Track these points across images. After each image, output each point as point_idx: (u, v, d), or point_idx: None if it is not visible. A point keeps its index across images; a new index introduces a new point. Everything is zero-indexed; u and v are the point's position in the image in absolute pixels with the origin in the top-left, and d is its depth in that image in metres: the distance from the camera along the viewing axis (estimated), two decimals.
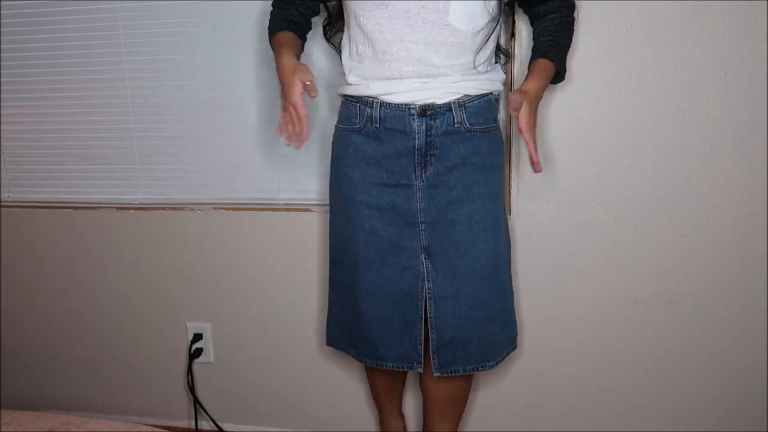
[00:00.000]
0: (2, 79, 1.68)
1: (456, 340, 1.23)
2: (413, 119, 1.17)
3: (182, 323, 1.75)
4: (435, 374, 1.25)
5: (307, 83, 1.12)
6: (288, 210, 1.60)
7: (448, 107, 1.17)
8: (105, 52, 1.61)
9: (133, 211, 1.70)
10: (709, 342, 1.48)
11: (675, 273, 1.46)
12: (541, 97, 1.22)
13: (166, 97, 1.61)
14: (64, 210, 1.74)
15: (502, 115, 1.47)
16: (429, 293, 1.22)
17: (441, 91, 1.17)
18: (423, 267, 1.22)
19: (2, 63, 1.67)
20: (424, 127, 1.17)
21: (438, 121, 1.17)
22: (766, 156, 1.36)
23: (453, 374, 1.25)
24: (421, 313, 1.24)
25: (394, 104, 1.17)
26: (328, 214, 1.36)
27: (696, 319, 1.47)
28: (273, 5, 1.30)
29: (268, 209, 1.61)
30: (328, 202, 1.37)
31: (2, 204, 1.77)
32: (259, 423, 1.78)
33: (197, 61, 1.57)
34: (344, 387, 1.69)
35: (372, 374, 1.49)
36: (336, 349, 1.39)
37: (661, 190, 1.42)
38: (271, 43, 1.28)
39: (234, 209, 1.63)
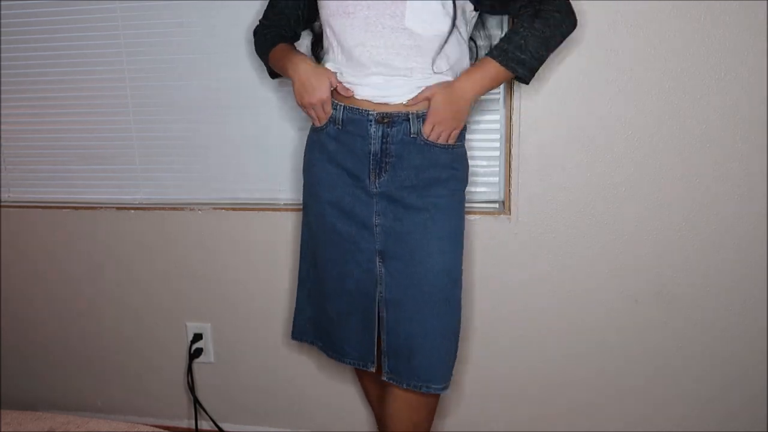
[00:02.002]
0: (2, 79, 1.68)
1: (404, 349, 1.23)
2: (370, 125, 1.19)
3: (182, 323, 1.75)
4: (384, 377, 1.26)
5: (338, 85, 1.20)
6: (288, 210, 1.60)
7: (405, 117, 1.18)
8: (105, 52, 1.61)
9: (133, 211, 1.70)
10: (709, 342, 1.48)
11: (675, 273, 1.46)
12: (474, 92, 1.19)
13: (166, 97, 1.61)
14: (64, 210, 1.74)
15: (500, 124, 1.47)
16: (381, 296, 1.23)
17: (402, 90, 1.18)
18: (377, 270, 1.24)
19: (2, 63, 1.67)
20: (380, 134, 1.19)
21: (395, 129, 1.18)
22: (766, 156, 1.36)
23: (397, 384, 1.25)
24: (376, 316, 1.26)
25: (356, 108, 1.19)
26: (303, 209, 1.37)
27: (696, 319, 1.48)
28: (255, 32, 1.35)
29: (268, 209, 1.61)
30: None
31: (2, 204, 1.77)
32: (259, 423, 1.78)
33: (197, 61, 1.57)
34: (343, 387, 1.69)
35: (362, 382, 1.53)
36: (301, 341, 1.41)
37: (661, 190, 1.42)
38: (268, 60, 1.32)
39: (234, 209, 1.63)
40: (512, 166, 1.46)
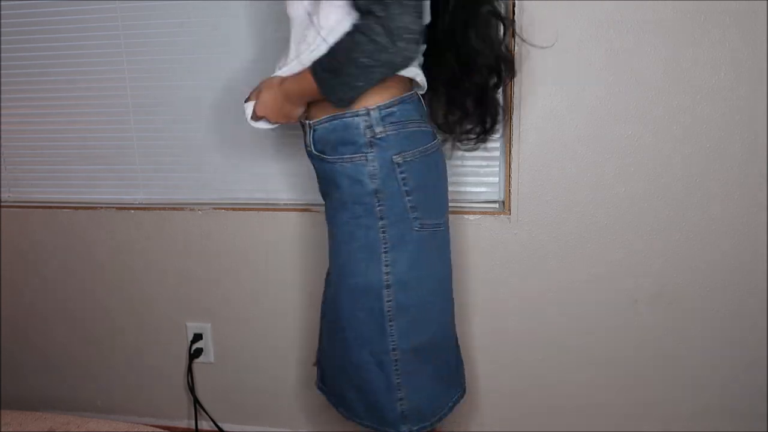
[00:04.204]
0: (2, 79, 1.68)
1: (331, 377, 1.22)
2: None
3: (182, 323, 1.75)
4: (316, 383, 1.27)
5: None
6: (288, 210, 1.60)
7: (304, 125, 1.09)
8: (105, 52, 1.61)
9: (133, 211, 1.70)
10: (709, 342, 1.48)
11: (675, 273, 1.46)
12: (291, 94, 1.05)
13: (166, 97, 1.61)
14: (64, 210, 1.74)
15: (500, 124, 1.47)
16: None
17: None
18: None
19: (2, 63, 1.67)
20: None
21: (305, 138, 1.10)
22: (766, 156, 1.36)
23: (321, 391, 1.24)
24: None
25: None
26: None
27: (696, 319, 1.47)
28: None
29: (268, 209, 1.61)
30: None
31: (2, 204, 1.77)
32: (259, 423, 1.78)
33: (197, 61, 1.57)
34: None
35: None
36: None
37: (660, 190, 1.42)
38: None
39: (234, 209, 1.63)
40: (512, 166, 1.46)
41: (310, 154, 1.10)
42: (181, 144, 1.64)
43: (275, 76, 1.08)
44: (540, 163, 1.45)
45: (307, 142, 1.08)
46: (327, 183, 1.09)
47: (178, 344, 1.77)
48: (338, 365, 1.15)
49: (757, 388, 1.49)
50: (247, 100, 1.13)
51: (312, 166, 1.13)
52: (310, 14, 0.99)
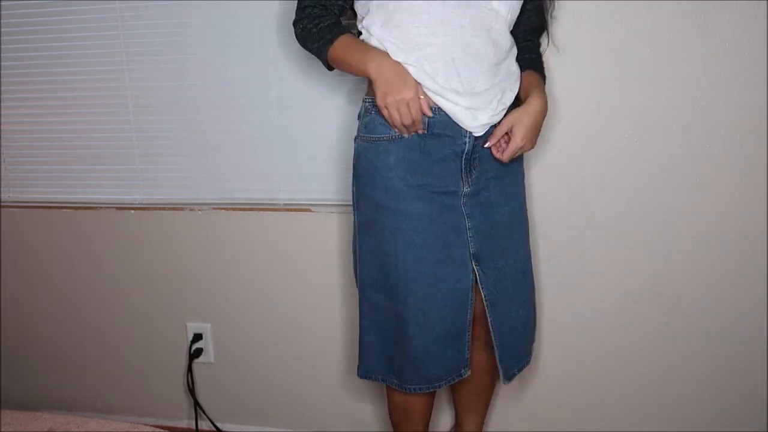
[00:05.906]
0: (2, 79, 1.68)
1: (511, 342, 1.25)
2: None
3: (182, 323, 1.75)
4: (504, 382, 1.27)
5: (422, 97, 1.11)
6: (288, 210, 1.60)
7: None
8: (105, 52, 1.60)
9: (133, 211, 1.70)
10: (708, 342, 1.48)
11: (675, 273, 1.46)
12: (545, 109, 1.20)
13: (166, 97, 1.61)
14: (64, 210, 1.74)
15: None
16: (486, 301, 1.21)
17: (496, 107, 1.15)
18: (473, 274, 1.19)
19: (2, 63, 1.67)
20: (469, 131, 1.14)
21: None
22: (766, 156, 1.36)
23: (512, 378, 1.27)
24: (470, 319, 1.21)
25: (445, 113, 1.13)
26: (361, 232, 1.23)
27: (696, 320, 1.47)
28: (298, 20, 1.18)
29: (268, 209, 1.61)
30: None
31: (2, 204, 1.77)
32: (259, 423, 1.78)
33: (197, 61, 1.57)
34: (344, 387, 1.69)
35: (412, 400, 1.31)
36: (372, 380, 1.28)
37: (660, 190, 1.42)
38: (327, 52, 1.16)
39: (234, 209, 1.63)
40: None
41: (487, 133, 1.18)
42: (181, 144, 1.63)
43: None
44: (540, 163, 1.44)
45: None
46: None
47: (178, 344, 1.77)
48: (531, 316, 1.32)
49: (757, 388, 1.49)
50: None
51: (477, 151, 1.17)
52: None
